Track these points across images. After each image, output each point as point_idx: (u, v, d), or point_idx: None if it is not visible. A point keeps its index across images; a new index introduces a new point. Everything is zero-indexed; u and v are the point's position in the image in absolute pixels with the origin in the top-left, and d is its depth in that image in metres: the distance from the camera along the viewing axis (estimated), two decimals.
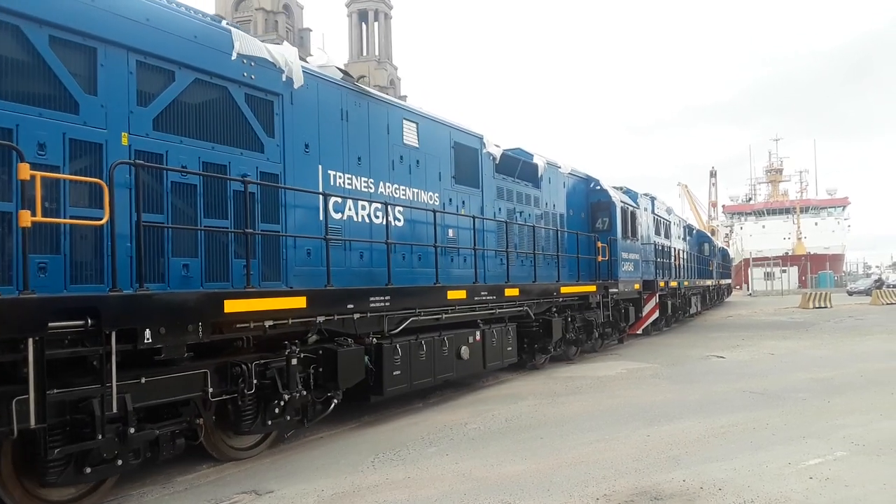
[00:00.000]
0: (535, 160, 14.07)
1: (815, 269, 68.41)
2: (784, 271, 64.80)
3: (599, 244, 15.62)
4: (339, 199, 8.48)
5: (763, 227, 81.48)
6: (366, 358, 8.16)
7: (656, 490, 5.47)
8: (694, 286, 29.30)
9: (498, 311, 11.29)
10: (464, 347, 10.16)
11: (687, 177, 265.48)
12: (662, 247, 23.13)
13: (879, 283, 52.71)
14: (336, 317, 7.64)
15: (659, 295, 20.18)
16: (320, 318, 7.42)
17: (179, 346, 5.83)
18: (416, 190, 10.11)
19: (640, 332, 19.84)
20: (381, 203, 8.95)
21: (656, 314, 20.07)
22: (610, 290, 15.85)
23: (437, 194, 10.62)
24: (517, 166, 13.23)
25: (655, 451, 6.68)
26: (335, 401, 7.63)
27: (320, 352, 7.55)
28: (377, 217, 9.06)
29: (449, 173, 11.00)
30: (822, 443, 6.78)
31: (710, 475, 5.77)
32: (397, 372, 8.63)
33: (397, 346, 8.64)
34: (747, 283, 67.42)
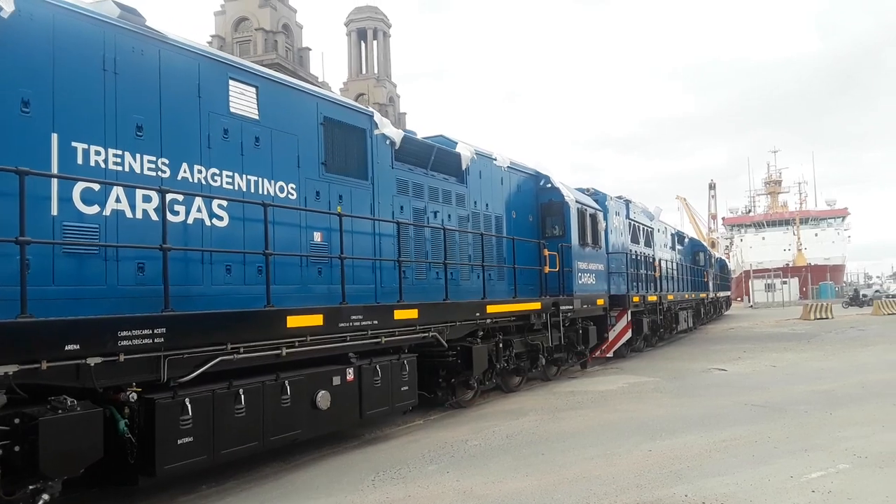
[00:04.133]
0: (459, 148, 11.34)
1: (816, 280, 67.17)
2: (785, 283, 63.26)
3: (546, 252, 12.83)
4: (96, 186, 5.75)
5: (763, 238, 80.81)
6: (121, 423, 5.41)
7: None
8: (682, 300, 26.50)
9: (386, 339, 8.49)
10: (321, 393, 7.35)
11: (681, 190, 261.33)
12: (640, 256, 20.48)
13: (855, 296, 50.01)
14: (45, 365, 4.86)
15: (631, 312, 17.38)
16: (9, 369, 4.65)
17: None
18: (253, 177, 7.35)
19: (610, 355, 17.06)
20: (154, 191, 6.01)
21: (629, 334, 17.27)
22: (562, 308, 13.02)
23: (293, 185, 7.87)
24: (430, 155, 10.49)
25: (657, 466, 6.58)
26: (44, 497, 4.83)
27: (17, 421, 4.77)
28: (176, 213, 6.35)
29: (316, 158, 8.26)
30: (824, 455, 6.68)
31: (713, 490, 5.70)
32: (187, 439, 5.82)
33: (186, 400, 5.85)
34: (748, 294, 65.46)
